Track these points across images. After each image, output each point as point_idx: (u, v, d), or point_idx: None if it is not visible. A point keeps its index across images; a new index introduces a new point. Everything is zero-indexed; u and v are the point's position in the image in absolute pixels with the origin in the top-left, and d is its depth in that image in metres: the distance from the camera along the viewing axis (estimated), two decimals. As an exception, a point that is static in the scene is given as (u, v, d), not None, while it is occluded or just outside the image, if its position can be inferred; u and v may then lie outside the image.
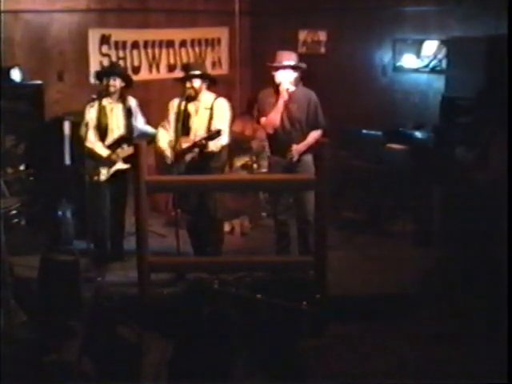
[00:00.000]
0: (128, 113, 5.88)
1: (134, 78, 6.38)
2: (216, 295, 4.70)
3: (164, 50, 7.97)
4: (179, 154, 5.58)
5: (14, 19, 6.51)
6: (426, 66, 7.45)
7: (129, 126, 5.89)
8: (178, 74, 7.08)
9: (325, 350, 4.46)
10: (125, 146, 5.85)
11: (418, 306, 5.16)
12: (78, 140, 5.92)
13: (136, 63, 7.68)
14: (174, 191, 5.88)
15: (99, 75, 5.97)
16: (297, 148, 5.64)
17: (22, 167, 6.47)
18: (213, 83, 5.80)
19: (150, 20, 7.76)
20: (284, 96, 5.60)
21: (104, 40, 7.30)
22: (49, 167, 6.52)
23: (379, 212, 7.03)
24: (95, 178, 5.82)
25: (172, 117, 5.71)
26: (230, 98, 5.99)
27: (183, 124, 5.65)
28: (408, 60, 7.58)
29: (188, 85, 5.62)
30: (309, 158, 5.64)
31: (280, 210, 5.92)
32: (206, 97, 5.70)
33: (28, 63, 6.57)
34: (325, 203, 4.60)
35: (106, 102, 5.82)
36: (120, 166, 5.85)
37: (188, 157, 5.60)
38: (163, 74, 7.95)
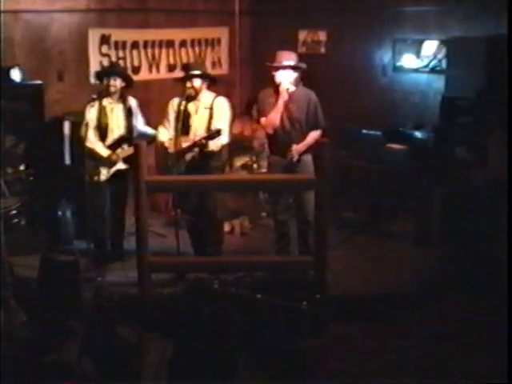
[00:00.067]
0: (128, 113, 5.88)
1: (134, 77, 6.37)
2: (216, 295, 4.71)
3: (164, 50, 7.97)
4: (179, 153, 5.58)
5: (14, 19, 6.51)
6: (426, 66, 7.44)
7: (129, 126, 5.89)
8: (178, 73, 7.07)
9: (325, 349, 4.46)
10: (125, 146, 5.85)
11: (417, 306, 5.16)
12: (78, 140, 5.92)
13: (136, 63, 7.68)
14: (173, 191, 5.88)
15: (99, 75, 5.97)
16: (297, 148, 5.64)
17: (22, 167, 6.47)
18: (213, 83, 5.80)
19: (150, 20, 7.75)
20: (284, 96, 5.60)
21: (104, 40, 7.29)
22: (49, 167, 6.52)
23: (379, 212, 7.03)
24: (95, 178, 5.82)
25: (172, 116, 5.71)
26: (229, 98, 5.98)
27: (183, 124, 5.64)
28: (408, 60, 7.58)
29: (188, 84, 5.62)
30: (309, 158, 5.64)
31: (280, 210, 5.92)
32: (206, 96, 5.70)
33: (28, 63, 6.57)
34: (325, 203, 4.60)
35: (106, 102, 5.82)
36: (120, 166, 5.85)
37: (188, 156, 5.59)
38: (163, 73, 7.95)
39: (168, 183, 5.09)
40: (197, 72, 5.65)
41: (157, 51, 7.89)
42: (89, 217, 5.76)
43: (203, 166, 5.58)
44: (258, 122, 5.92)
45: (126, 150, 5.83)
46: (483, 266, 5.36)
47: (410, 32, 7.49)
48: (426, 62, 7.44)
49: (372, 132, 7.25)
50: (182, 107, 5.65)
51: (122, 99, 5.87)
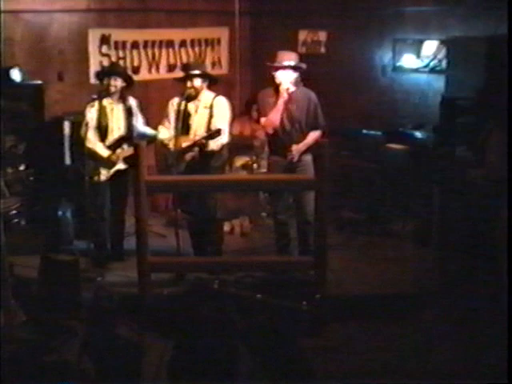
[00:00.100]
0: (128, 113, 5.88)
1: (134, 77, 6.36)
2: (216, 295, 4.71)
3: (164, 50, 7.97)
4: (179, 153, 5.58)
5: (14, 19, 6.51)
6: (426, 66, 7.44)
7: (129, 126, 5.89)
8: (178, 73, 7.07)
9: (325, 350, 4.46)
10: (125, 147, 5.85)
11: (417, 306, 5.16)
12: (78, 140, 5.93)
13: (136, 63, 7.68)
14: (173, 191, 5.89)
15: (100, 75, 5.97)
16: (297, 148, 5.64)
17: (22, 167, 6.47)
18: (213, 82, 5.80)
19: (150, 20, 7.75)
20: (284, 96, 5.60)
21: (104, 40, 7.29)
22: (49, 167, 6.52)
23: (379, 212, 7.03)
24: (95, 178, 5.82)
25: (172, 116, 5.71)
26: (229, 98, 5.98)
27: (183, 123, 5.64)
28: (408, 60, 7.58)
29: (189, 84, 5.62)
30: (308, 158, 5.64)
31: (280, 210, 5.91)
32: (206, 96, 5.70)
33: (28, 63, 6.57)
34: (325, 203, 4.60)
35: (106, 102, 5.82)
36: (120, 166, 5.85)
37: (188, 156, 5.59)
38: (163, 73, 7.94)
39: (168, 183, 5.09)
40: (197, 72, 5.65)
41: (157, 51, 7.89)
42: (89, 217, 5.77)
43: (203, 166, 5.58)
44: (258, 121, 5.92)
45: (126, 150, 5.82)
46: (483, 266, 5.36)
47: (410, 32, 7.50)
48: (426, 62, 7.44)
49: (372, 132, 7.26)
50: (182, 107, 5.65)
51: (123, 99, 5.87)
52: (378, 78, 7.82)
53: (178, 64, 8.02)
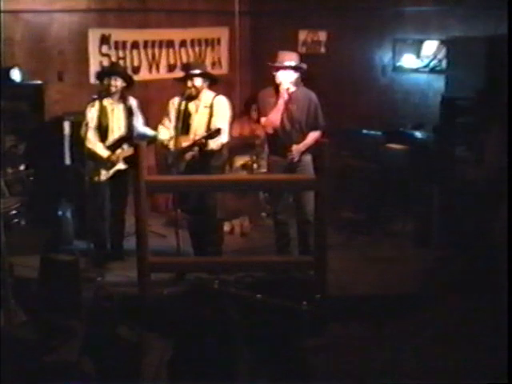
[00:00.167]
0: (129, 113, 5.88)
1: (134, 77, 6.36)
2: (216, 295, 4.70)
3: (164, 50, 7.97)
4: (179, 153, 5.58)
5: (14, 19, 6.51)
6: (426, 66, 7.45)
7: (129, 126, 5.89)
8: (178, 73, 7.07)
9: (325, 349, 4.46)
10: (125, 147, 5.85)
11: (417, 306, 5.16)
12: (78, 140, 5.93)
13: (136, 63, 7.68)
14: (173, 191, 5.89)
15: (100, 75, 5.97)
16: (297, 148, 5.64)
17: (22, 167, 6.47)
18: (214, 82, 5.80)
19: (150, 20, 7.76)
20: (284, 96, 5.60)
21: (104, 40, 7.29)
22: (49, 167, 6.52)
23: (379, 212, 7.03)
24: (95, 178, 5.82)
25: (173, 115, 5.71)
26: (229, 98, 5.98)
27: (183, 123, 5.65)
28: (408, 60, 7.58)
29: (189, 84, 5.62)
30: (308, 158, 5.65)
31: (280, 210, 5.92)
32: (207, 95, 5.70)
33: (28, 63, 6.57)
34: (325, 203, 4.60)
35: (106, 102, 5.82)
36: (120, 166, 5.85)
37: (188, 155, 5.59)
38: (163, 73, 7.95)
39: (168, 183, 5.09)
40: (198, 71, 5.65)
41: (157, 51, 7.89)
42: (89, 217, 5.77)
43: (203, 165, 5.58)
44: (258, 121, 5.92)
45: (126, 150, 5.83)
46: (483, 266, 5.36)
47: (410, 32, 7.50)
48: (426, 62, 7.44)
49: (372, 132, 7.26)
50: (183, 107, 5.65)
51: (123, 99, 5.87)
52: (378, 78, 7.83)
53: (178, 64, 8.03)
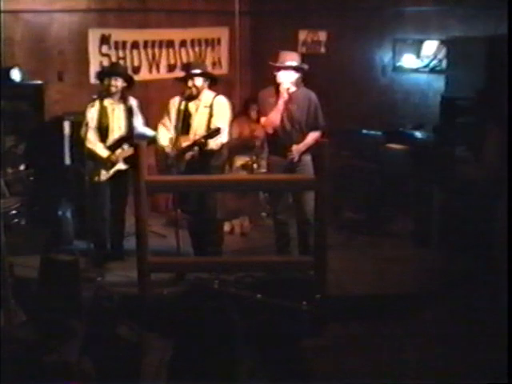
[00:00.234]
0: (129, 113, 5.88)
1: (134, 78, 6.36)
2: (216, 295, 4.70)
3: (164, 50, 7.97)
4: (179, 153, 5.58)
5: (14, 19, 6.51)
6: (426, 66, 7.45)
7: (130, 126, 5.89)
8: (178, 73, 7.08)
9: (325, 350, 4.46)
10: (125, 147, 5.85)
11: (417, 306, 5.16)
12: (78, 140, 5.93)
13: (136, 63, 7.68)
14: (173, 191, 5.89)
15: (101, 75, 5.97)
16: (297, 148, 5.64)
17: (22, 167, 6.47)
18: (214, 82, 5.80)
19: (150, 20, 7.76)
20: (284, 96, 5.60)
21: (104, 40, 7.29)
22: (49, 167, 6.52)
23: (379, 212, 7.03)
24: (95, 178, 5.82)
25: (173, 115, 5.71)
26: (229, 98, 5.98)
27: (183, 123, 5.65)
28: (408, 60, 7.58)
29: (190, 84, 5.61)
30: (308, 158, 5.65)
31: (280, 210, 5.91)
32: (207, 95, 5.70)
33: (28, 63, 6.57)
34: (325, 203, 4.60)
35: (107, 102, 5.82)
36: (120, 166, 5.85)
37: (188, 155, 5.59)
38: (163, 73, 7.95)
39: (168, 183, 5.09)
40: (198, 71, 5.65)
41: (157, 51, 7.89)
42: (89, 217, 5.76)
43: (203, 165, 5.58)
44: (258, 121, 5.93)
45: (126, 150, 5.83)
46: (483, 266, 5.36)
47: (410, 32, 7.50)
48: (426, 62, 7.44)
49: (372, 132, 7.26)
50: (183, 106, 5.65)
51: (123, 99, 5.87)
52: (378, 78, 7.83)
53: (178, 64, 8.03)
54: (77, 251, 5.50)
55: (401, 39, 7.59)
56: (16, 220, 6.25)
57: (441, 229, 6.21)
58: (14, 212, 6.22)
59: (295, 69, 5.63)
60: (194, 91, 5.62)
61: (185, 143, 5.59)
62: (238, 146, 7.43)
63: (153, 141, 5.76)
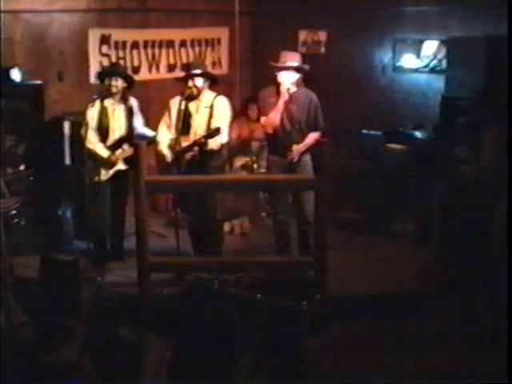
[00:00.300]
0: (129, 113, 5.88)
1: (134, 78, 6.36)
2: (216, 295, 4.70)
3: (164, 50, 7.96)
4: (179, 153, 5.58)
5: (14, 19, 6.51)
6: (426, 66, 7.45)
7: (130, 126, 5.89)
8: (178, 73, 7.08)
9: (325, 350, 4.46)
10: (125, 147, 5.85)
11: (417, 306, 5.16)
12: (78, 140, 5.93)
13: (136, 63, 7.67)
14: (173, 191, 5.88)
15: (101, 75, 5.97)
16: (297, 148, 5.64)
17: (22, 167, 6.47)
18: (214, 82, 5.80)
19: (150, 20, 7.75)
20: (285, 96, 5.60)
21: (104, 40, 7.29)
22: (49, 167, 6.52)
23: (379, 212, 7.03)
24: (95, 178, 5.82)
25: (174, 115, 5.71)
26: (229, 98, 5.98)
27: (183, 123, 5.65)
28: (408, 60, 7.58)
29: (190, 84, 5.62)
30: (308, 158, 5.66)
31: (280, 210, 5.92)
32: (207, 96, 5.70)
33: (28, 63, 6.57)
34: (325, 203, 4.59)
35: (107, 102, 5.82)
36: (120, 166, 5.86)
37: (188, 155, 5.59)
38: (163, 73, 7.94)
39: (168, 183, 5.08)
40: (199, 71, 5.65)
41: (157, 51, 7.89)
42: (89, 217, 5.77)
43: (203, 165, 5.58)
44: (258, 120, 5.93)
45: (126, 150, 5.83)
46: (483, 266, 5.35)
47: (410, 32, 7.50)
48: (426, 62, 7.45)
49: (372, 132, 7.26)
50: (183, 107, 5.65)
51: (124, 100, 5.87)
52: (378, 77, 7.83)
53: (178, 64, 8.03)
54: (77, 251, 5.51)
55: (401, 39, 7.59)
56: (16, 220, 6.25)
57: (441, 229, 6.20)
58: (14, 212, 6.22)
59: (296, 69, 5.64)
60: (195, 91, 5.62)
61: (185, 143, 5.60)
62: (237, 147, 7.42)
63: (153, 141, 5.77)
